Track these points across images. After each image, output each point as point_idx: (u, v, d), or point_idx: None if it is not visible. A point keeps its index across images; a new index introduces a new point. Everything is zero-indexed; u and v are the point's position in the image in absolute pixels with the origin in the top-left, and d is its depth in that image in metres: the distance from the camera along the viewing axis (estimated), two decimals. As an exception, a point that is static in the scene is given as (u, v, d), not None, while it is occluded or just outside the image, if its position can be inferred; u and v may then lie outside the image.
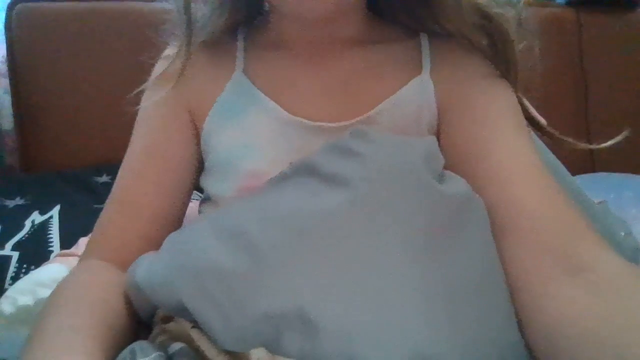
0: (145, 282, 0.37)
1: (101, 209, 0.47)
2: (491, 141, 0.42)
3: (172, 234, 0.41)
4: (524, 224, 0.37)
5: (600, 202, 0.62)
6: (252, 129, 0.45)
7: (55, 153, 0.99)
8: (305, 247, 0.34)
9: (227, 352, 0.32)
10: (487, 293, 0.34)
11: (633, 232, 0.60)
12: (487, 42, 0.45)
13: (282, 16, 0.48)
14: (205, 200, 0.50)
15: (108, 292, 0.39)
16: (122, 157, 0.48)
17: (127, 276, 0.39)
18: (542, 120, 0.49)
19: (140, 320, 0.40)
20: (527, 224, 0.37)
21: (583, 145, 0.49)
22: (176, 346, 0.34)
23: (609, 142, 0.48)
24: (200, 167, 0.49)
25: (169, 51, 0.49)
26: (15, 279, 0.70)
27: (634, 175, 0.94)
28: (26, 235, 0.78)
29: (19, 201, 0.86)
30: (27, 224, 0.80)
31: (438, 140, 0.44)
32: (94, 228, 0.47)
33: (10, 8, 0.98)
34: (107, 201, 0.47)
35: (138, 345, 0.34)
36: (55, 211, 0.83)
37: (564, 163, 0.55)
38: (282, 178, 0.40)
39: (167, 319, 0.37)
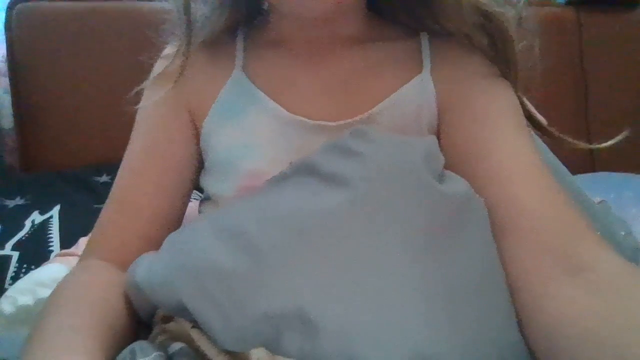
0: (145, 282, 0.37)
1: (101, 209, 0.47)
2: (491, 141, 0.42)
3: (172, 234, 0.41)
4: (524, 224, 0.37)
5: (600, 202, 0.62)
6: (252, 129, 0.45)
7: (55, 153, 0.99)
8: (305, 247, 0.34)
9: (227, 352, 0.32)
10: (487, 293, 0.34)
11: (633, 231, 0.60)
12: (487, 42, 0.45)
13: (281, 16, 0.48)
14: (205, 200, 0.50)
15: (108, 292, 0.39)
16: (122, 156, 0.48)
17: (127, 276, 0.39)
18: (543, 120, 0.49)
19: (140, 320, 0.40)
20: (528, 223, 0.37)
21: (583, 145, 0.49)
22: (176, 346, 0.34)
23: (609, 142, 0.48)
24: (200, 166, 0.49)
25: (169, 50, 0.49)
26: (15, 278, 0.70)
27: (634, 175, 0.94)
28: (26, 235, 0.78)
29: (19, 201, 0.86)
30: (27, 223, 0.80)
31: (438, 139, 0.43)
32: (94, 228, 0.46)
33: (10, 8, 0.98)
34: (107, 201, 0.47)
35: (138, 345, 0.34)
36: (55, 211, 0.83)
37: (564, 163, 0.55)
38: (282, 178, 0.40)
39: (167, 319, 0.37)
